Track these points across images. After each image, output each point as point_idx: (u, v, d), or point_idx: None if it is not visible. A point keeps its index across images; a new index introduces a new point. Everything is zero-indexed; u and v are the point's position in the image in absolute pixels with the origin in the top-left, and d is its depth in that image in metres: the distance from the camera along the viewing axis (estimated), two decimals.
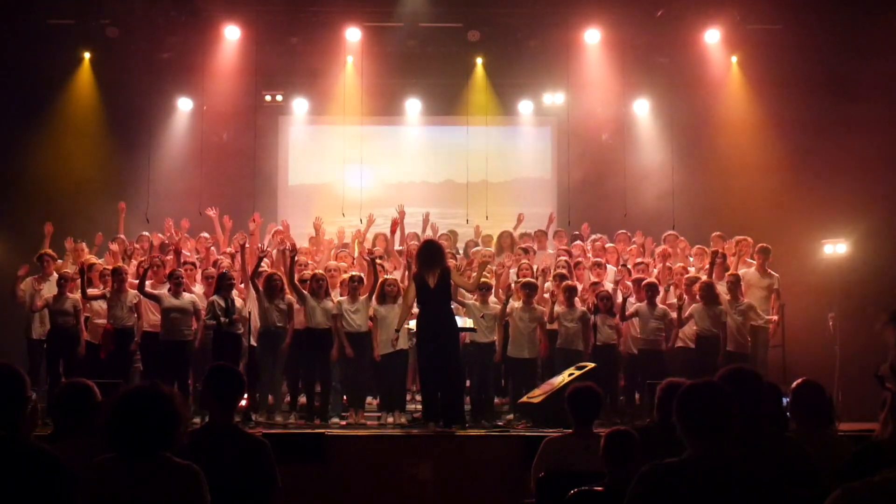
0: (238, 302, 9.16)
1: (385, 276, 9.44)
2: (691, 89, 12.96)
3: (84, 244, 10.57)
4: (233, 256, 10.14)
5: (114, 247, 10.69)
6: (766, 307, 10.03)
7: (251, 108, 13.40)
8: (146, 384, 3.25)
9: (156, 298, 9.22)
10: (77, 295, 9.47)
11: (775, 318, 10.09)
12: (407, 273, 9.46)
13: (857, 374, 9.32)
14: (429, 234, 11.28)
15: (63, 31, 12.19)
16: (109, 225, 11.33)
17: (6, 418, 2.81)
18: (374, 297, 9.27)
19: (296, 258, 9.37)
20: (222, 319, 8.91)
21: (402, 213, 11.05)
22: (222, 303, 8.95)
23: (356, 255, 10.72)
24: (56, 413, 4.10)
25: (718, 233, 11.00)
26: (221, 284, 9.07)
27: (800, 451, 3.64)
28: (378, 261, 9.40)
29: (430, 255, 8.33)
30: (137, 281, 9.34)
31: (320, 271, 9.58)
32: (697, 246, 10.94)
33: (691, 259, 10.89)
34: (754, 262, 10.25)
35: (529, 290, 9.40)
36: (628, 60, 12.64)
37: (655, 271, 10.41)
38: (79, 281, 9.46)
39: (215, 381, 4.20)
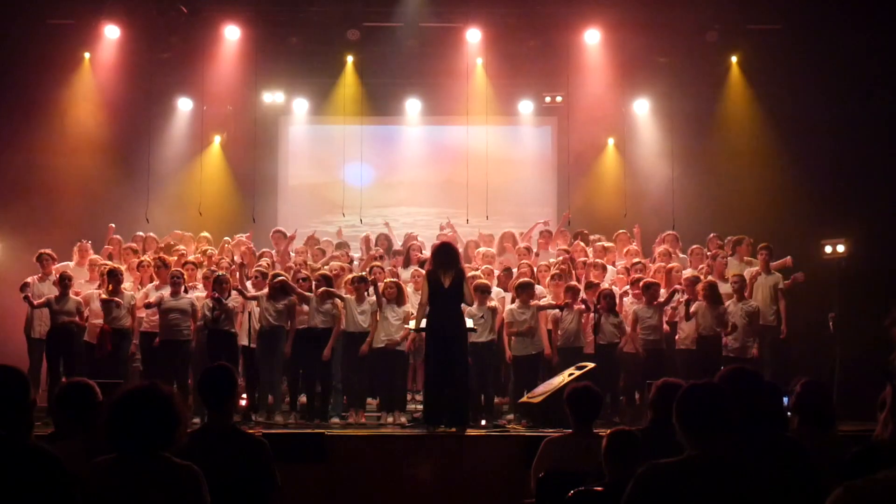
0: (233, 303, 9.20)
1: (385, 280, 9.47)
2: (691, 89, 12.95)
3: (88, 243, 10.57)
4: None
5: (111, 248, 10.70)
6: (771, 306, 10.04)
7: (251, 109, 13.40)
8: (146, 384, 3.24)
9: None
10: (79, 297, 9.49)
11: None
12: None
13: (857, 374, 9.31)
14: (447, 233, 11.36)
15: (63, 31, 12.18)
16: (107, 225, 11.35)
17: (8, 420, 2.81)
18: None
19: (294, 261, 9.39)
20: (207, 317, 9.02)
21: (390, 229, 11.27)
22: (211, 304, 9.07)
23: (356, 256, 10.77)
24: (56, 413, 4.09)
25: (714, 234, 11.03)
26: (216, 286, 9.13)
27: (800, 451, 3.63)
28: (377, 262, 9.39)
29: (446, 255, 8.30)
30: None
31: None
32: (695, 246, 10.93)
33: (684, 255, 10.91)
34: (757, 262, 10.25)
35: (527, 289, 9.40)
36: (628, 60, 12.63)
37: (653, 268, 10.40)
38: (80, 281, 9.45)
39: (208, 383, 4.21)
